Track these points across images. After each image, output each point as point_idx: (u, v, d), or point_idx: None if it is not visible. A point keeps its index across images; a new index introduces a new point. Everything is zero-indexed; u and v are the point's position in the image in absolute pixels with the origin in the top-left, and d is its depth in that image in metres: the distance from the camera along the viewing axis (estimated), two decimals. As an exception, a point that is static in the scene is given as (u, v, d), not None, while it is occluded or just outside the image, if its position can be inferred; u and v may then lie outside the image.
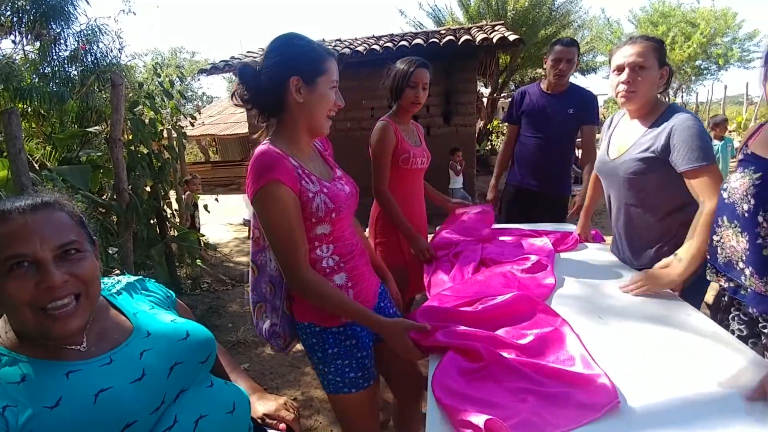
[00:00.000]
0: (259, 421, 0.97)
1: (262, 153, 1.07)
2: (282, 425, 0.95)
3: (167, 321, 0.88)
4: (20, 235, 0.68)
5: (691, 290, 1.34)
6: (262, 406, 0.99)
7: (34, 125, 4.53)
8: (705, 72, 16.72)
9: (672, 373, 0.93)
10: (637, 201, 1.45)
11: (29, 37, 4.67)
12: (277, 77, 1.08)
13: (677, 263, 1.26)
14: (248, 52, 6.77)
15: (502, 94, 12.07)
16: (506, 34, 5.65)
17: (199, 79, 21.24)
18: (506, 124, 2.76)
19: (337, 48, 6.14)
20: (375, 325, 1.12)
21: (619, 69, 1.38)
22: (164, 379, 0.78)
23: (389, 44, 5.80)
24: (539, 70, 13.69)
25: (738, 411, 0.80)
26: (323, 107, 1.13)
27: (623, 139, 1.48)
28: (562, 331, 1.08)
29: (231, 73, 6.80)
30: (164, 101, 3.97)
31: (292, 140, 1.13)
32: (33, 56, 4.80)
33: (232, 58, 6.49)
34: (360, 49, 5.86)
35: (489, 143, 10.55)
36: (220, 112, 13.63)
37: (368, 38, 6.87)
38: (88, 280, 0.73)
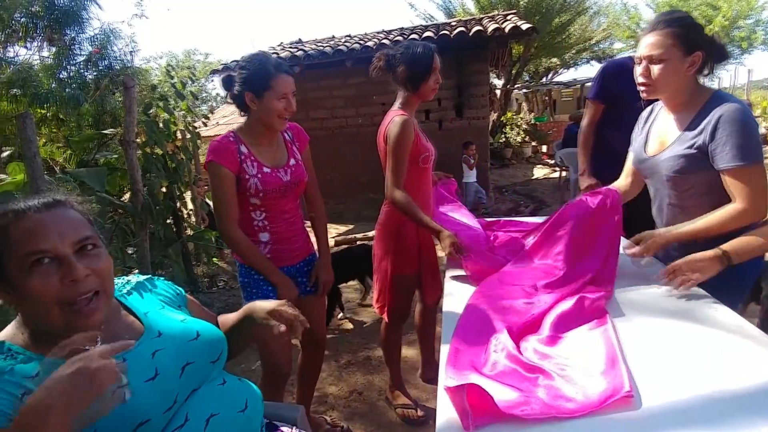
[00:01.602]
0: (264, 321, 0.95)
1: (214, 140, 1.48)
2: (282, 327, 0.92)
3: (178, 321, 0.88)
4: (38, 231, 0.68)
5: (729, 287, 1.24)
6: (264, 304, 0.97)
7: (54, 129, 4.64)
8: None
9: (694, 368, 0.89)
10: (680, 201, 1.33)
11: (43, 42, 4.77)
12: (239, 90, 1.47)
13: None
14: (259, 51, 6.80)
15: (516, 86, 11.90)
16: (519, 24, 5.54)
17: (212, 80, 21.47)
18: (588, 100, 2.29)
19: (347, 44, 6.12)
20: (271, 275, 1.52)
21: (638, 60, 1.29)
22: (176, 379, 0.79)
23: (399, 38, 5.75)
24: (554, 60, 13.45)
25: (763, 408, 0.76)
26: (271, 114, 1.46)
27: (663, 133, 1.36)
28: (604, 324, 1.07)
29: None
30: (177, 103, 4.01)
31: (252, 132, 1.52)
32: (49, 61, 4.91)
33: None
34: (370, 44, 5.83)
35: (503, 136, 10.40)
36: (233, 112, 13.74)
37: (378, 33, 6.82)
38: (105, 275, 0.74)
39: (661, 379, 0.87)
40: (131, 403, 0.68)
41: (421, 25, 7.09)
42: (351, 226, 5.92)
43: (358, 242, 4.64)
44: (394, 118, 1.68)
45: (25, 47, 4.92)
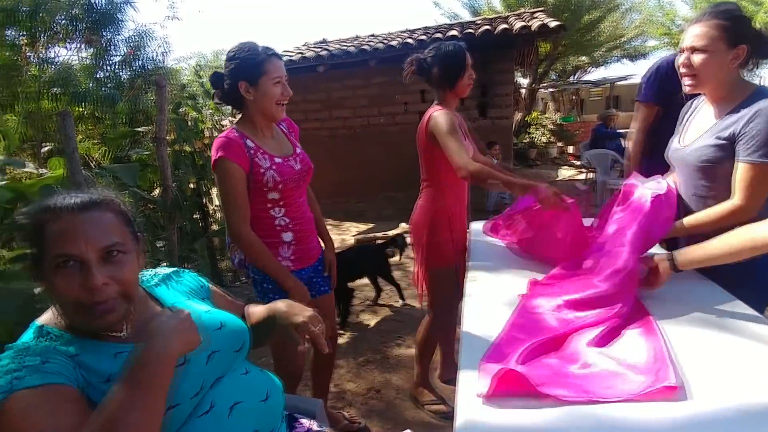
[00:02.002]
0: (289, 330, 0.98)
1: (221, 137, 1.43)
2: (305, 346, 0.96)
3: (203, 311, 0.92)
4: (69, 234, 0.72)
5: (754, 290, 1.22)
6: (293, 316, 0.97)
7: (90, 127, 4.84)
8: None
9: (729, 370, 0.88)
10: (707, 193, 1.31)
11: (82, 44, 4.98)
12: (232, 82, 1.42)
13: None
14: (284, 51, 6.90)
15: (542, 85, 11.68)
16: (546, 21, 5.44)
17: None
18: (639, 102, 2.07)
19: (371, 43, 6.15)
20: (284, 280, 1.46)
21: (682, 50, 1.28)
22: (203, 366, 0.82)
23: (423, 37, 5.74)
24: (583, 58, 13.13)
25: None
26: (270, 100, 1.42)
27: (700, 124, 1.35)
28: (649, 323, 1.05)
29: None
30: (205, 102, 4.12)
31: (253, 125, 1.47)
32: (87, 62, 5.12)
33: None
34: (393, 43, 5.84)
35: (527, 136, 10.24)
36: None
37: (402, 32, 6.83)
38: (127, 282, 0.77)
39: (700, 376, 0.86)
40: None
41: (446, 24, 7.06)
42: (371, 225, 5.95)
43: (378, 241, 4.67)
44: (433, 114, 1.70)
45: (65, 48, 5.16)
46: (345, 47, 6.23)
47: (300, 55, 6.27)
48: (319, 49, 6.48)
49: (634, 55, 13.98)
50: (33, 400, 0.64)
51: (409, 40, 5.75)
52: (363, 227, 5.89)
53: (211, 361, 0.84)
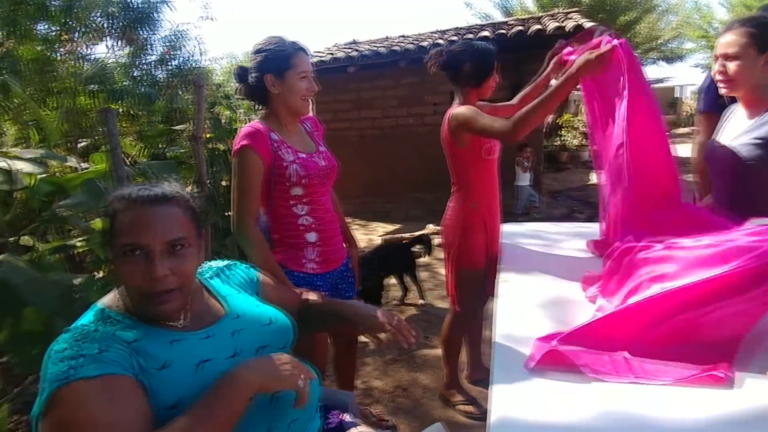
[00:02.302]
0: (368, 332, 1.05)
1: (247, 126, 1.40)
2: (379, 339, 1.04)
3: (254, 305, 0.96)
4: (140, 225, 0.77)
5: None
6: (371, 320, 1.02)
7: (126, 124, 5.02)
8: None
9: None
10: (738, 191, 1.38)
11: (122, 42, 5.16)
12: (258, 76, 1.39)
13: None
14: (315, 52, 6.99)
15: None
16: (581, 22, 5.32)
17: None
18: (701, 114, 1.92)
19: (402, 44, 6.15)
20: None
21: (716, 58, 1.36)
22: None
23: (454, 38, 5.70)
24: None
25: None
26: (295, 94, 1.40)
27: (734, 127, 1.43)
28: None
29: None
30: (239, 101, 4.22)
31: (277, 120, 1.44)
32: (124, 60, 5.33)
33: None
34: (424, 44, 5.83)
35: (559, 138, 10.01)
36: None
37: (432, 33, 6.80)
38: (187, 275, 0.81)
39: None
40: (215, 376, 0.75)
41: (477, 25, 6.99)
42: (399, 226, 5.95)
43: (404, 241, 4.66)
44: (452, 111, 1.71)
45: (100, 45, 5.37)
46: (375, 48, 6.27)
47: (330, 56, 6.34)
48: (350, 50, 6.54)
49: (671, 58, 13.54)
50: (89, 391, 0.65)
51: (440, 41, 5.73)
52: (390, 228, 5.90)
53: (258, 354, 0.86)
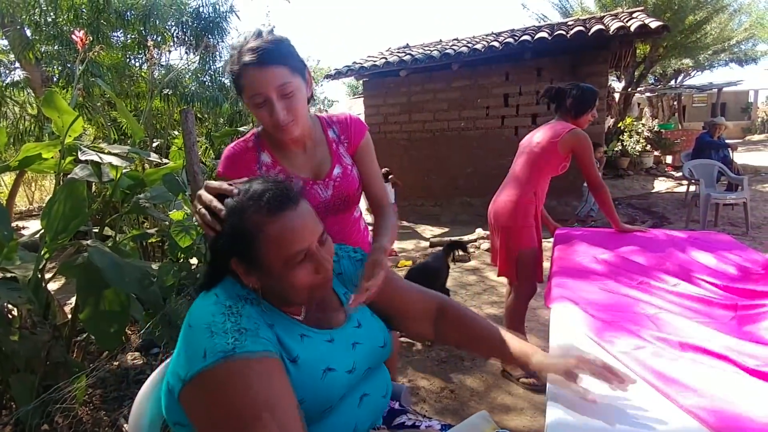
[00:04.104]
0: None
1: (231, 145, 1.15)
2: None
3: (369, 315, 0.93)
4: (297, 232, 0.74)
5: None
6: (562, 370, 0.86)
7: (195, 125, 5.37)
8: None
9: None
10: None
11: (198, 49, 5.53)
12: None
13: None
14: (368, 56, 7.12)
15: (639, 89, 10.81)
16: (647, 21, 5.05)
17: (322, 85, 23.02)
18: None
19: (455, 47, 6.13)
20: None
21: None
22: (359, 378, 0.84)
23: (509, 40, 5.60)
24: (686, 61, 11.97)
25: None
26: (260, 121, 1.07)
27: None
28: None
29: (353, 77, 7.23)
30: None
31: (271, 138, 1.14)
32: (193, 66, 5.71)
33: (354, 63, 6.89)
34: (478, 47, 5.77)
35: (620, 143, 9.52)
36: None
37: (487, 35, 6.72)
38: (332, 255, 0.83)
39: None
40: (334, 389, 0.76)
41: (534, 26, 6.82)
42: (446, 229, 5.92)
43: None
44: (576, 130, 2.01)
45: (178, 52, 5.79)
46: (428, 51, 6.29)
47: (383, 60, 6.44)
48: (402, 54, 6.60)
49: (744, 60, 12.51)
50: (253, 367, 0.63)
51: (495, 44, 5.65)
52: (438, 231, 5.88)
53: (365, 374, 0.85)
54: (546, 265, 2.14)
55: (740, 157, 9.60)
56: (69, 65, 4.42)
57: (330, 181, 1.18)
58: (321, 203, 1.18)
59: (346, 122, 1.23)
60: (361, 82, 7.42)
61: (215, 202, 0.77)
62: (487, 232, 5.24)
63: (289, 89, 1.00)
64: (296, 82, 1.02)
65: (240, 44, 1.02)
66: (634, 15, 5.70)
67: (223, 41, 6.01)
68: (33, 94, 4.64)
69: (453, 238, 3.61)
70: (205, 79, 5.80)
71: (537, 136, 2.11)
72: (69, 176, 1.87)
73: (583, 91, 2.05)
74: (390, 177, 5.70)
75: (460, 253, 3.35)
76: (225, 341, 0.65)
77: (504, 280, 2.36)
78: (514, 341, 0.94)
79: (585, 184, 5.40)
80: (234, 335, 0.66)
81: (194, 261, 2.66)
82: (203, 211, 0.78)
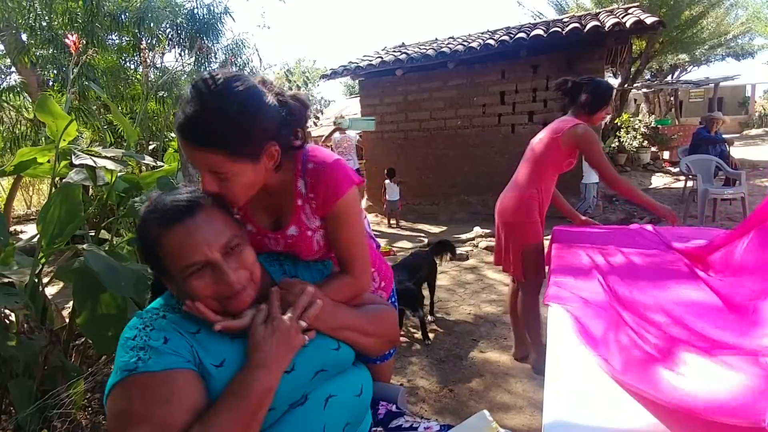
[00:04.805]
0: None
1: None
2: None
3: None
4: (188, 244, 0.74)
5: None
6: None
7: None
8: None
9: None
10: None
11: (192, 50, 5.53)
12: None
13: None
14: (365, 55, 7.11)
15: (635, 85, 10.81)
16: (643, 17, 5.06)
17: (318, 84, 22.97)
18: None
19: (450, 45, 6.13)
20: None
21: None
22: (308, 380, 0.81)
23: (505, 37, 5.59)
24: (682, 56, 11.98)
25: None
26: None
27: None
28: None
29: (349, 77, 7.22)
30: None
31: None
32: (189, 68, 5.69)
33: (350, 62, 6.89)
34: (474, 45, 5.77)
35: (617, 140, 9.52)
36: (330, 117, 14.56)
37: (482, 33, 6.72)
38: (251, 266, 0.80)
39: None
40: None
41: (529, 24, 6.81)
42: (444, 228, 5.92)
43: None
44: (581, 125, 1.97)
45: (173, 54, 5.78)
46: (423, 50, 6.28)
47: (379, 59, 6.43)
48: (398, 53, 6.60)
49: (740, 54, 12.54)
50: (151, 383, 0.67)
51: (491, 41, 5.64)
52: (436, 230, 5.89)
53: (317, 377, 0.83)
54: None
55: (738, 152, 9.61)
56: (64, 69, 4.42)
57: (281, 239, 0.99)
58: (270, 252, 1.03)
59: (318, 179, 0.93)
60: (357, 81, 7.42)
61: None
62: (485, 231, 5.27)
63: (223, 170, 0.80)
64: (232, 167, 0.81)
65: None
66: (630, 11, 5.70)
67: (218, 42, 6.00)
68: (29, 99, 4.63)
69: (442, 239, 3.58)
70: (200, 81, 5.79)
71: (541, 133, 2.12)
72: (64, 180, 1.87)
73: (599, 85, 2.01)
74: (395, 176, 5.93)
75: (449, 256, 3.31)
76: (130, 359, 0.70)
77: (503, 278, 2.37)
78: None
79: (582, 182, 5.41)
80: (138, 353, 0.70)
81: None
82: None
